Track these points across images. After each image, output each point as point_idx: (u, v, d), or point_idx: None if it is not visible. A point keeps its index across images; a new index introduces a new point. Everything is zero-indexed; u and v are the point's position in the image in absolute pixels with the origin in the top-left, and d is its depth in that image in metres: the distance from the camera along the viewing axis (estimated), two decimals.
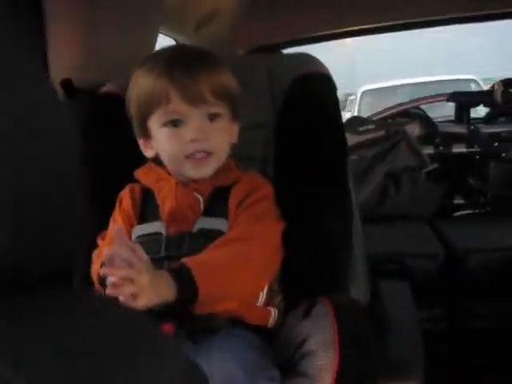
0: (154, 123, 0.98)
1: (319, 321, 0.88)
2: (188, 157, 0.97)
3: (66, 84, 1.26)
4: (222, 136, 0.99)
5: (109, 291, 0.78)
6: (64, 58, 1.30)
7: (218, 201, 0.99)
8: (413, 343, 1.03)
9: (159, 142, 1.00)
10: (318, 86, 1.15)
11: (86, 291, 0.51)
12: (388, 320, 1.11)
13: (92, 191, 1.15)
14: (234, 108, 1.01)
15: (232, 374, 0.78)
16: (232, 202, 0.98)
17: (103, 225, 1.04)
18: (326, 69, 1.16)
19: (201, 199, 0.99)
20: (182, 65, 0.95)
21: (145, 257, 0.82)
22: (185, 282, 0.83)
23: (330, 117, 1.14)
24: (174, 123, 0.97)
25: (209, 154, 0.97)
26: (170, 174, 1.02)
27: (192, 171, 0.98)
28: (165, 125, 0.97)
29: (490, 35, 9.24)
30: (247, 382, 0.78)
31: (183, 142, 0.96)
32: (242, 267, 0.90)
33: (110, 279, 0.78)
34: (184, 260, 0.87)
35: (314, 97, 1.14)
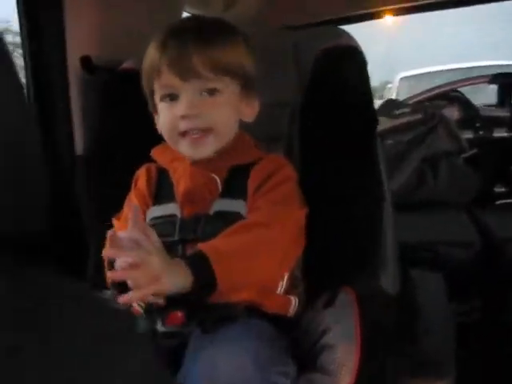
0: (156, 97, 0.95)
1: (341, 311, 0.82)
2: (182, 134, 0.91)
3: (86, 61, 1.24)
4: (221, 111, 0.92)
5: (116, 274, 0.75)
6: (84, 36, 1.27)
7: (236, 181, 0.93)
8: (444, 337, 0.96)
9: (159, 117, 0.96)
10: (347, 59, 1.09)
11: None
12: (419, 312, 1.04)
13: (109, 170, 1.12)
14: (246, 83, 0.94)
15: (242, 367, 0.72)
16: (252, 182, 0.92)
17: (120, 205, 1.00)
18: (356, 41, 1.09)
19: (218, 179, 0.93)
20: (176, 38, 0.90)
21: (157, 241, 0.78)
22: (202, 272, 0.78)
23: (358, 89, 1.08)
24: (171, 97, 0.92)
25: (206, 131, 0.91)
26: None
27: (189, 151, 0.92)
28: (162, 99, 0.94)
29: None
30: (257, 376, 0.72)
31: (175, 117, 0.91)
32: (263, 255, 0.84)
33: (118, 263, 0.75)
34: (201, 247, 0.81)
35: (341, 69, 1.09)
